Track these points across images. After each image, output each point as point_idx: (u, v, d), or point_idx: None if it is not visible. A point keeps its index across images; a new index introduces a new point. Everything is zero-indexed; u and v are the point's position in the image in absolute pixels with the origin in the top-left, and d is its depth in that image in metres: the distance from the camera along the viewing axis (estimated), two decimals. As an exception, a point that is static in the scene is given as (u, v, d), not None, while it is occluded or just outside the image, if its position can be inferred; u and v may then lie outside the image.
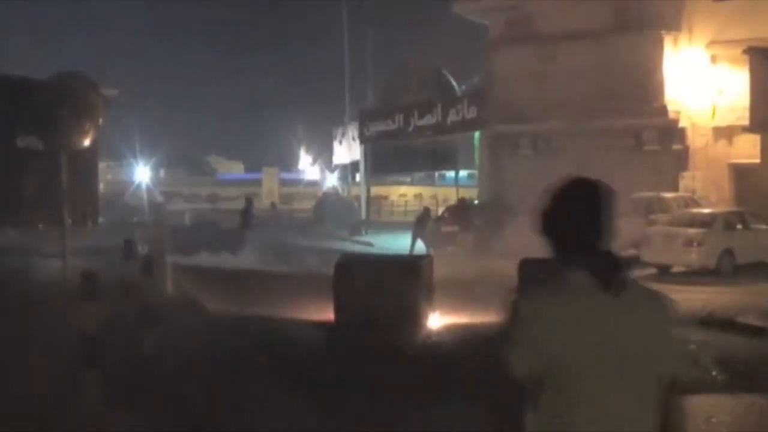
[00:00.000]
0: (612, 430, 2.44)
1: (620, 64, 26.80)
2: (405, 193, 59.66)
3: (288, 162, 78.43)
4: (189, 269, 16.87)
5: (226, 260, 21.13)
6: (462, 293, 13.89)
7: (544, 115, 28.17)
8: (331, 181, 54.08)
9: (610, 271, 2.49)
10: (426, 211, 28.81)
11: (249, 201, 29.86)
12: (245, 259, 21.26)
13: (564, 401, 2.46)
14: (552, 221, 2.58)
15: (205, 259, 20.62)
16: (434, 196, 43.15)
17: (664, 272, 19.79)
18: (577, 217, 2.55)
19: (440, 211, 28.60)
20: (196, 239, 22.85)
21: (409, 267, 11.84)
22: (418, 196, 54.54)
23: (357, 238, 33.30)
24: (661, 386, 2.53)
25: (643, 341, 2.48)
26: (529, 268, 8.85)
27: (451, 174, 44.78)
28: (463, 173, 41.40)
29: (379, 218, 45.16)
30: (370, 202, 43.25)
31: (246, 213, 27.13)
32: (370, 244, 29.87)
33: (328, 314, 11.68)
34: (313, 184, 63.34)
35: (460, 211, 28.12)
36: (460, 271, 18.23)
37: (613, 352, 2.45)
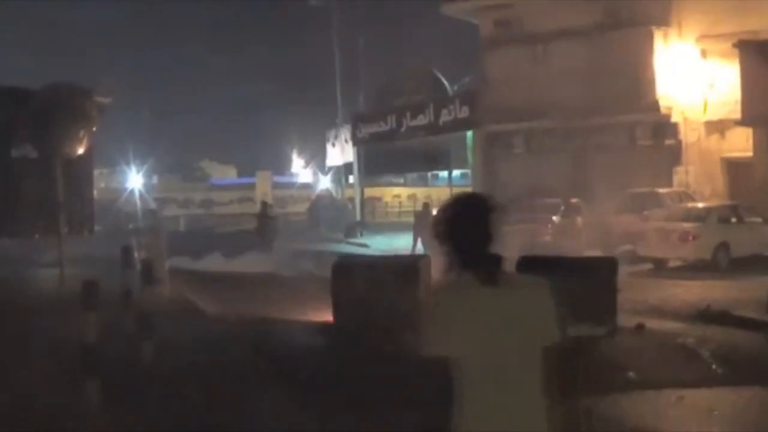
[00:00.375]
0: (510, 405, 2.85)
1: (611, 61, 26.85)
2: (399, 194, 59.46)
3: (281, 165, 78.24)
4: (187, 273, 16.93)
5: (225, 264, 21.17)
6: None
7: (537, 113, 28.21)
8: (325, 183, 53.98)
9: (494, 270, 2.92)
10: (425, 206, 28.79)
11: (264, 206, 30.13)
12: (244, 263, 21.33)
13: (469, 385, 2.90)
14: (447, 231, 3.01)
15: (206, 263, 20.68)
16: (428, 197, 43.07)
17: (660, 267, 19.87)
18: (467, 227, 2.99)
19: (434, 211, 28.62)
20: (193, 244, 22.85)
21: (406, 268, 11.85)
22: (412, 197, 54.35)
23: (352, 240, 33.30)
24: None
25: (525, 322, 2.89)
26: (527, 265, 8.97)
27: (444, 174, 44.69)
28: (456, 173, 41.32)
29: (374, 220, 45.05)
30: (364, 203, 43.15)
31: (262, 217, 27.33)
32: (365, 246, 29.89)
33: (327, 316, 11.73)
34: (306, 186, 63.21)
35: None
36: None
37: (500, 336, 2.86)
